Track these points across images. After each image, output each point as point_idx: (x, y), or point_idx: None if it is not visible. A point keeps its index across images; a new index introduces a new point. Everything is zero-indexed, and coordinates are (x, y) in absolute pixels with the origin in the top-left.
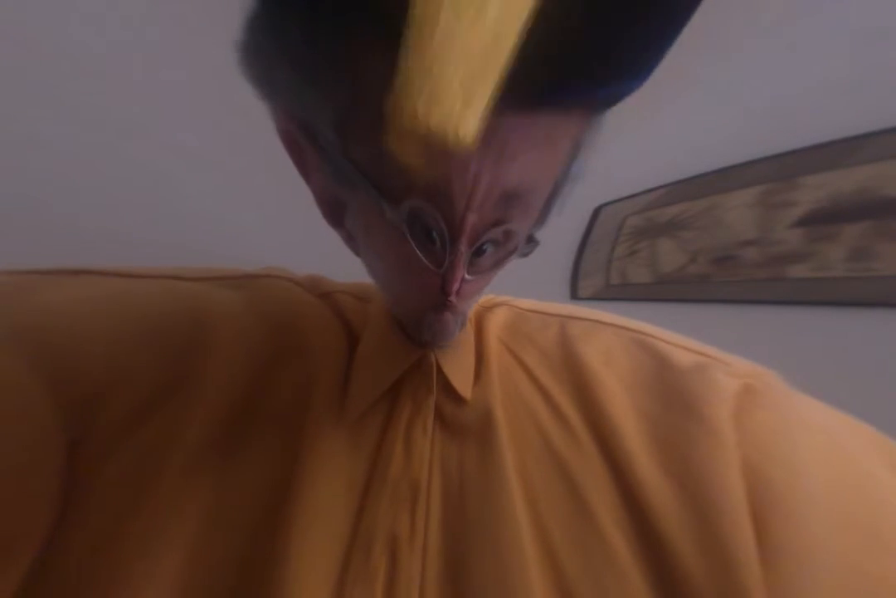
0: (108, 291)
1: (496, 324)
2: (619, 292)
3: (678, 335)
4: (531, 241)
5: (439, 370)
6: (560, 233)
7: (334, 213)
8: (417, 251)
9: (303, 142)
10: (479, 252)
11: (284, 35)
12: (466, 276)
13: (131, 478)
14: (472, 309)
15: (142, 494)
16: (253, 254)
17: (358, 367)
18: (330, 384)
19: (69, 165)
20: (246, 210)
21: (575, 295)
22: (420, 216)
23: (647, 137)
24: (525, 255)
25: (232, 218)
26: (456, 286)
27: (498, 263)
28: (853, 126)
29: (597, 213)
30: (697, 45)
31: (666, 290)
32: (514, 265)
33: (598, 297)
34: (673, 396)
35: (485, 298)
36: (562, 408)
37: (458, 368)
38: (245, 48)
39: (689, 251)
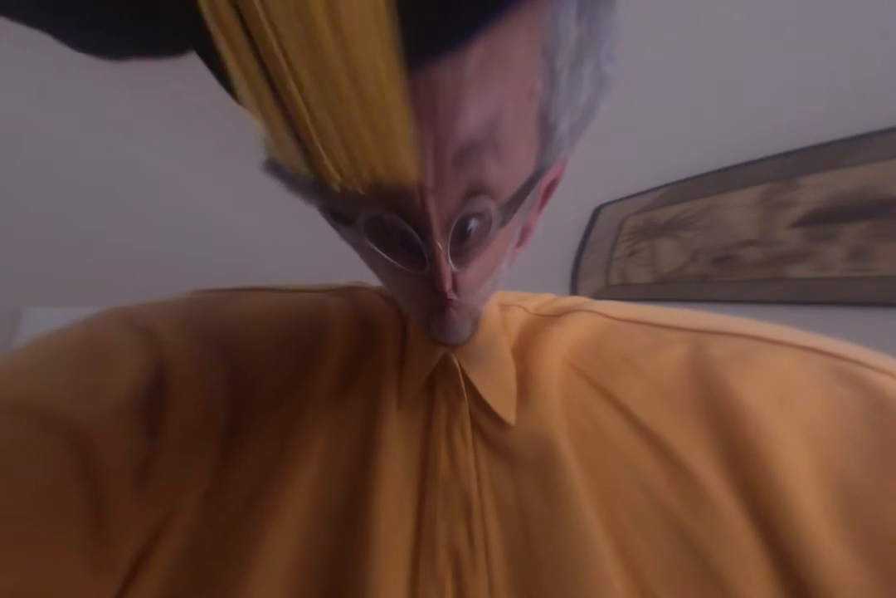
0: (269, 304)
1: (564, 340)
2: (619, 293)
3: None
4: (539, 176)
5: (467, 378)
6: (560, 233)
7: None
8: (396, 263)
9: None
10: (463, 235)
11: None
12: (453, 267)
13: (278, 428)
14: (485, 302)
15: (286, 435)
16: (253, 257)
17: (407, 358)
18: (391, 372)
19: (67, 166)
20: (248, 215)
21: (575, 295)
22: (378, 224)
23: (647, 137)
24: (544, 193)
25: (233, 222)
26: (447, 284)
27: (493, 232)
28: (853, 126)
29: (597, 213)
30: (697, 45)
31: (666, 290)
32: (513, 266)
33: (598, 297)
34: (891, 449)
35: (546, 299)
36: (683, 460)
37: (488, 381)
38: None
39: (689, 251)
